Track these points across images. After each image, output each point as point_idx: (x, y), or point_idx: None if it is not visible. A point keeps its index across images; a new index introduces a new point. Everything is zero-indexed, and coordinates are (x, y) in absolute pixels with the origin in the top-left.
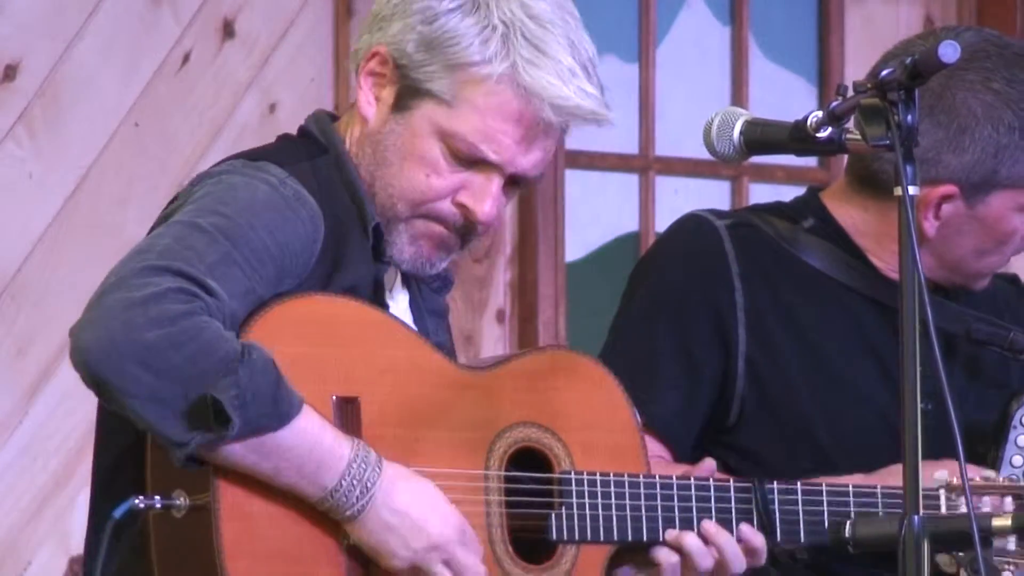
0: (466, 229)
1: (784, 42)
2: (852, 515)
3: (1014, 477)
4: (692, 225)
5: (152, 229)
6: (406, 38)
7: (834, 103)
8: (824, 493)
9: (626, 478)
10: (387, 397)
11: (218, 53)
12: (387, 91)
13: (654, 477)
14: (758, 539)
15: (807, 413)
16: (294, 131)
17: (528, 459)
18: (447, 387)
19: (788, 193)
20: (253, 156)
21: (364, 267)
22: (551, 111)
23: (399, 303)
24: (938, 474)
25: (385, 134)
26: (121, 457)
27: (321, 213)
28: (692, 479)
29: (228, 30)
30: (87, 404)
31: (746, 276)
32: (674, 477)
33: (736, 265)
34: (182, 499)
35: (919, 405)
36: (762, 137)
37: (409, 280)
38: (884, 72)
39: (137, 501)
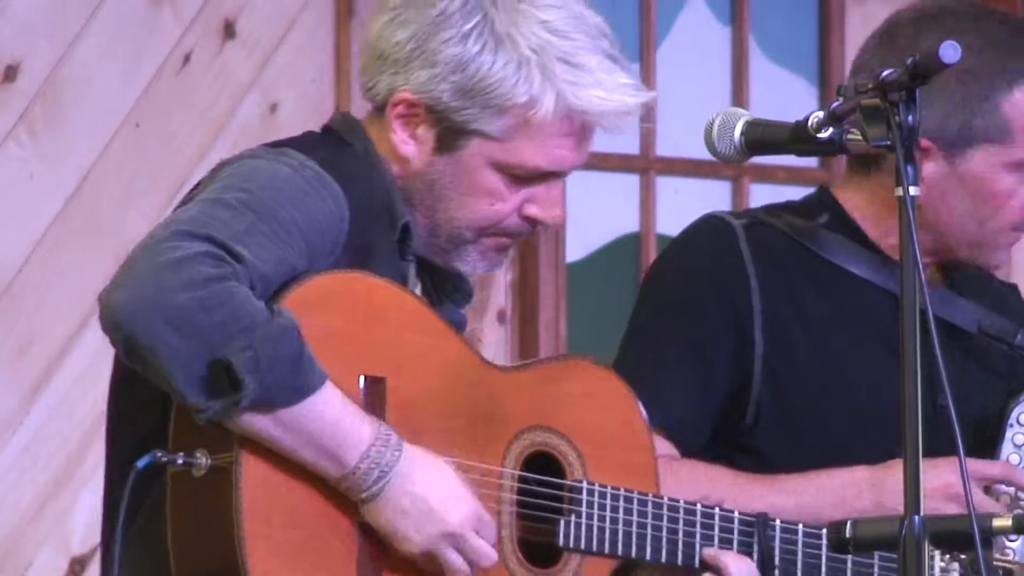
0: (532, 230)
1: (784, 42)
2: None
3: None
4: (709, 226)
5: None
6: (439, 88)
7: (835, 103)
8: (825, 537)
9: (636, 495)
10: (414, 382)
11: (219, 53)
12: (423, 131)
13: (663, 498)
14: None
15: (824, 415)
16: (295, 132)
17: (542, 463)
18: (474, 382)
19: (789, 193)
20: (274, 145)
21: (392, 262)
22: (603, 119)
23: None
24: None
25: (436, 173)
26: (136, 448)
27: (345, 197)
28: (699, 506)
29: (229, 30)
30: (88, 404)
31: (763, 276)
32: (682, 501)
33: (752, 265)
34: (204, 458)
35: (936, 401)
36: (763, 137)
37: (429, 290)
38: (885, 72)
39: (160, 454)
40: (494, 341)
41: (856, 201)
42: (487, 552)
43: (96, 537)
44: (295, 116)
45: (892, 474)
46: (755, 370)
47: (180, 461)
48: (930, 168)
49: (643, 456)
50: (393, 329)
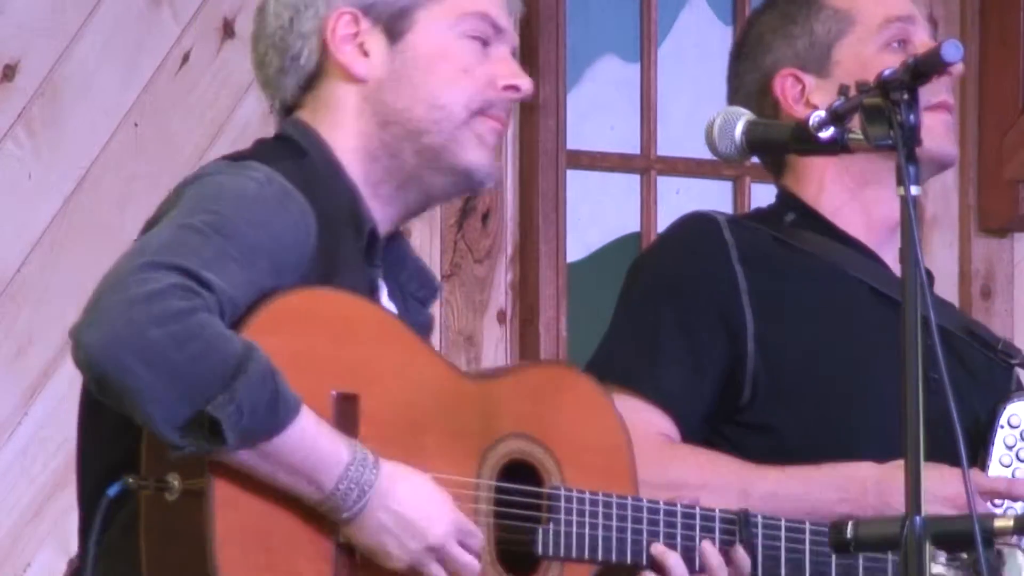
0: (511, 103)
1: None
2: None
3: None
4: (690, 219)
5: (142, 231)
6: None
7: (836, 103)
8: (808, 532)
9: (614, 499)
10: (386, 397)
11: (218, 53)
12: (369, 40)
13: (642, 500)
14: (746, 564)
15: (821, 386)
16: None
17: (519, 471)
18: (446, 393)
19: None
20: (234, 157)
21: (359, 270)
22: None
23: (382, 293)
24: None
25: (401, 68)
26: (116, 464)
27: (311, 209)
28: (679, 506)
29: (228, 30)
30: None
31: (747, 262)
32: (661, 502)
33: (736, 251)
34: (176, 482)
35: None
36: (764, 137)
37: (395, 293)
38: (887, 72)
39: (131, 480)
40: (494, 341)
41: (802, 189)
42: (470, 563)
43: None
44: None
45: (898, 475)
46: (748, 348)
47: (151, 486)
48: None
49: (620, 460)
50: (363, 344)
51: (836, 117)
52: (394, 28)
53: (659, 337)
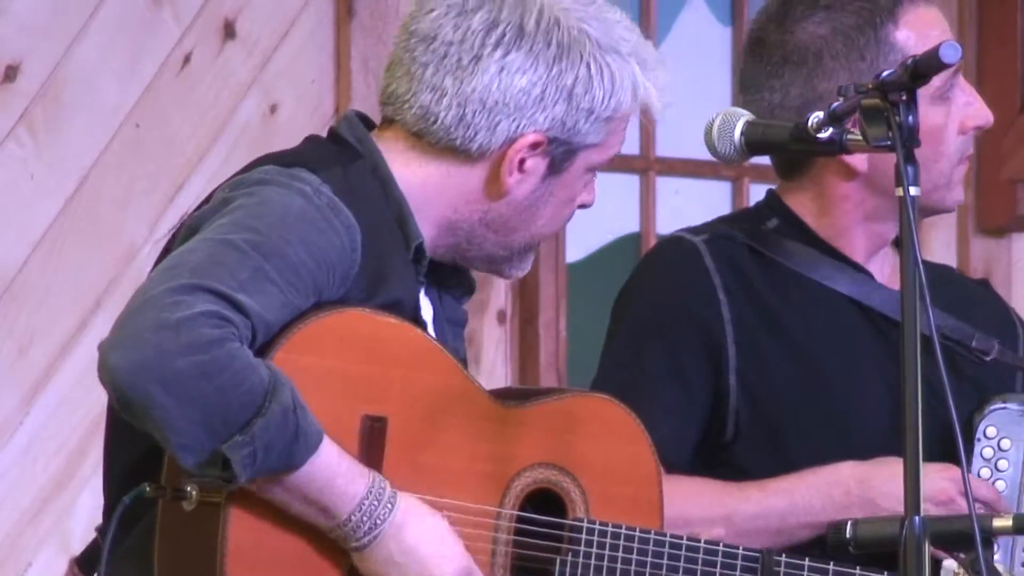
0: None
1: None
2: None
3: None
4: (670, 247)
5: (180, 232)
6: (571, 119)
7: (835, 104)
8: (831, 573)
9: (637, 532)
10: (415, 421)
11: (219, 54)
12: (533, 163)
13: (665, 535)
14: None
15: (802, 422)
16: (295, 132)
17: (544, 501)
18: (477, 418)
19: None
20: (286, 161)
21: (408, 283)
22: (651, 112)
23: (426, 313)
24: (947, 563)
25: (537, 195)
26: (141, 460)
27: (356, 224)
28: (702, 542)
29: (229, 31)
30: (88, 405)
31: (730, 288)
32: (684, 537)
33: (719, 278)
34: (194, 492)
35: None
36: (763, 138)
37: (431, 287)
38: (886, 73)
39: (148, 488)
40: (494, 341)
41: (803, 202)
42: None
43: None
44: (295, 116)
45: (879, 471)
46: (730, 383)
47: (169, 494)
48: None
49: (649, 491)
50: (398, 368)
51: (835, 118)
52: (558, 165)
53: (651, 386)
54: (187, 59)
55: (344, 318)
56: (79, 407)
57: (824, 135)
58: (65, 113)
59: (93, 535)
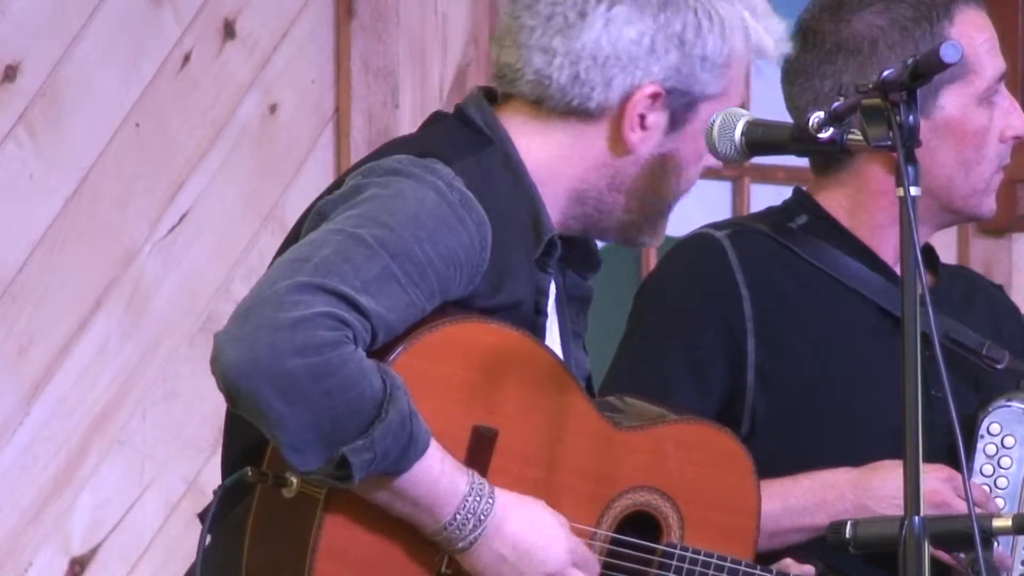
0: None
1: (785, 42)
2: None
3: (986, 487)
4: (695, 241)
5: (308, 216)
6: (686, 68)
7: (835, 103)
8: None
9: (728, 562)
10: (525, 435)
11: (219, 54)
12: (654, 117)
13: (755, 567)
14: None
15: (819, 419)
16: (295, 132)
17: (642, 523)
18: (586, 437)
19: (789, 193)
20: (420, 150)
21: (530, 275)
22: (763, 55)
23: (550, 295)
24: None
25: (662, 155)
26: (248, 451)
27: (487, 219)
28: (791, 573)
29: (229, 30)
30: (88, 404)
31: (753, 285)
32: (774, 571)
33: (741, 274)
34: (295, 482)
35: (930, 393)
36: (763, 138)
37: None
38: (886, 72)
39: (250, 473)
40: None
41: (838, 199)
42: None
43: (96, 537)
44: (295, 116)
45: (876, 476)
46: (748, 379)
47: (270, 480)
48: None
49: (745, 521)
50: (514, 381)
51: (835, 117)
52: (680, 118)
53: (671, 385)
54: (187, 59)
55: (466, 328)
56: (79, 407)
57: (824, 135)
58: (65, 113)
59: (93, 535)
